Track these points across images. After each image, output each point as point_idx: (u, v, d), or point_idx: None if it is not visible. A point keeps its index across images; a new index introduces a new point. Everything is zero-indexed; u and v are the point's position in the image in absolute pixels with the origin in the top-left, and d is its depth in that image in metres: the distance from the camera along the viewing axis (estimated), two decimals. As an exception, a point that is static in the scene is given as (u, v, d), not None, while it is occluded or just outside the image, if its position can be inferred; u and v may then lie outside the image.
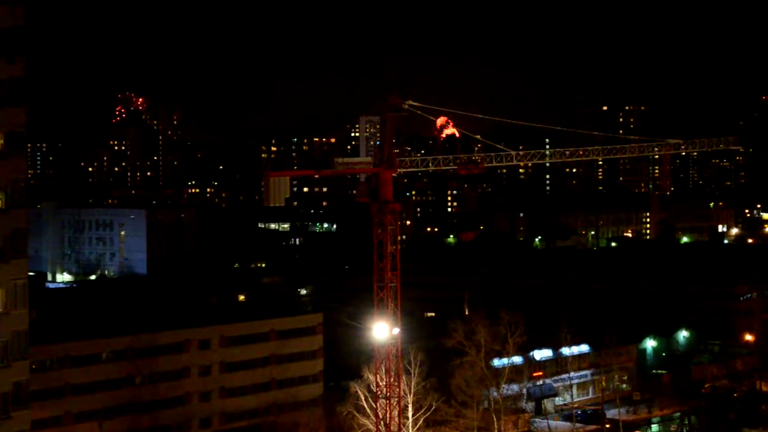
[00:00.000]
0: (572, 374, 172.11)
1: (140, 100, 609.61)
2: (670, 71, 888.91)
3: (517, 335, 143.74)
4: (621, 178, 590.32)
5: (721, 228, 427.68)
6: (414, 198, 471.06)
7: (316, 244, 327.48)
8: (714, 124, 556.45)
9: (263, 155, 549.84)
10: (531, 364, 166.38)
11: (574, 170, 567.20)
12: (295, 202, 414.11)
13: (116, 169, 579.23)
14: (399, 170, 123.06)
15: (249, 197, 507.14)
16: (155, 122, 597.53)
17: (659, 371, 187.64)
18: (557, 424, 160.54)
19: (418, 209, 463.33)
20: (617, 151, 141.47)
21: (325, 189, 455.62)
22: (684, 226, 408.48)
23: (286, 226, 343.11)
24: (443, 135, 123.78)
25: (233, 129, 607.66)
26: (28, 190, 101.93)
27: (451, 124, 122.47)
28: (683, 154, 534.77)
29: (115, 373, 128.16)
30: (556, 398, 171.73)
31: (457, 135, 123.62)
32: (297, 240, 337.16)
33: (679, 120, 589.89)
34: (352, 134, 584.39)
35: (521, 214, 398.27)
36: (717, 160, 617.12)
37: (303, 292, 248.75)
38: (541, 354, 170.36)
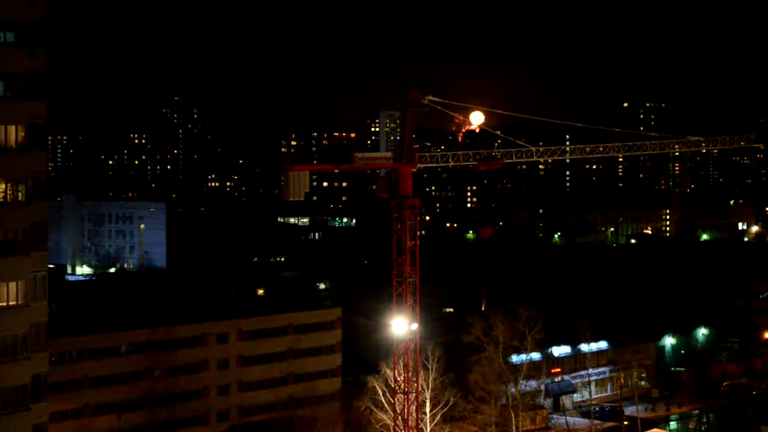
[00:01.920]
0: (591, 371, 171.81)
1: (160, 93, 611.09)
2: (692, 68, 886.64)
3: (536, 331, 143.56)
4: (641, 175, 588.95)
5: (741, 226, 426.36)
6: (433, 193, 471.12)
7: (335, 238, 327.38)
8: (735, 121, 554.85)
9: (283, 149, 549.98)
10: (549, 360, 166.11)
11: (594, 167, 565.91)
12: (315, 197, 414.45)
13: (136, 162, 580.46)
14: (419, 165, 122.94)
15: (268, 191, 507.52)
16: (175, 116, 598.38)
17: (678, 369, 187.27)
18: (575, 420, 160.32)
19: (438, 204, 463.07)
20: (638, 147, 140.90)
21: (344, 184, 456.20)
22: (704, 224, 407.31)
23: (305, 220, 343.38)
24: (462, 131, 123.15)
25: (253, 123, 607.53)
26: (48, 182, 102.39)
27: (468, 123, 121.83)
28: (704, 151, 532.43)
29: (134, 366, 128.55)
30: (575, 395, 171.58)
31: (477, 131, 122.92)
32: (316, 234, 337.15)
33: (699, 117, 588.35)
34: (372, 129, 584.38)
35: (541, 211, 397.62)
36: (737, 158, 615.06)
37: (322, 286, 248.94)
38: (560, 350, 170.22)
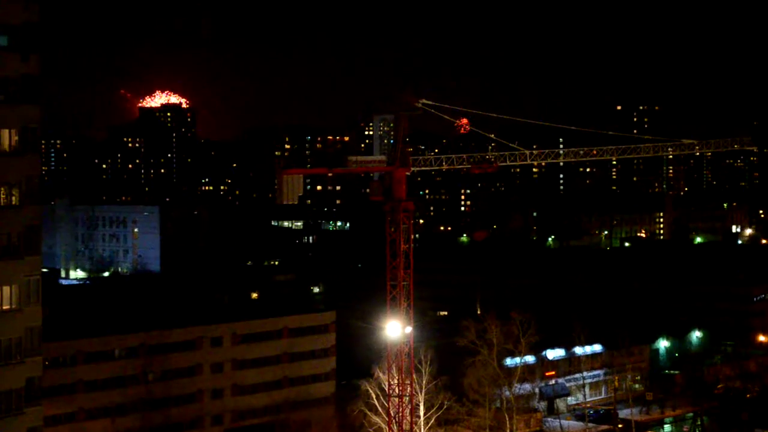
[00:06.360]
0: (585, 374, 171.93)
1: (154, 96, 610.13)
2: (685, 71, 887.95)
3: (530, 334, 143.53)
4: (635, 178, 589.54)
5: (734, 228, 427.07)
6: (427, 197, 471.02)
7: (329, 242, 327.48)
8: (728, 124, 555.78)
9: (277, 153, 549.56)
10: (543, 363, 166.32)
11: (588, 170, 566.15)
12: (309, 200, 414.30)
13: (130, 166, 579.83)
14: (412, 169, 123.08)
15: (262, 195, 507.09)
16: (169, 120, 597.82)
17: (672, 371, 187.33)
18: (569, 423, 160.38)
19: (432, 208, 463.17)
20: (631, 150, 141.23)
21: (338, 187, 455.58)
22: (697, 227, 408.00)
23: (299, 224, 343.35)
24: (461, 131, 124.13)
25: (247, 127, 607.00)
26: (41, 186, 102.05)
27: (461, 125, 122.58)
28: (697, 154, 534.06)
29: (128, 370, 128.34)
30: (569, 398, 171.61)
31: (466, 131, 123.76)
32: (310, 238, 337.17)
33: (693, 120, 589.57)
34: (366, 132, 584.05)
35: (534, 214, 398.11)
36: (731, 161, 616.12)
37: (316, 290, 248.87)
38: (554, 353, 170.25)
